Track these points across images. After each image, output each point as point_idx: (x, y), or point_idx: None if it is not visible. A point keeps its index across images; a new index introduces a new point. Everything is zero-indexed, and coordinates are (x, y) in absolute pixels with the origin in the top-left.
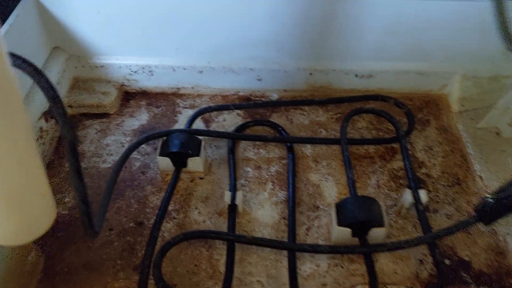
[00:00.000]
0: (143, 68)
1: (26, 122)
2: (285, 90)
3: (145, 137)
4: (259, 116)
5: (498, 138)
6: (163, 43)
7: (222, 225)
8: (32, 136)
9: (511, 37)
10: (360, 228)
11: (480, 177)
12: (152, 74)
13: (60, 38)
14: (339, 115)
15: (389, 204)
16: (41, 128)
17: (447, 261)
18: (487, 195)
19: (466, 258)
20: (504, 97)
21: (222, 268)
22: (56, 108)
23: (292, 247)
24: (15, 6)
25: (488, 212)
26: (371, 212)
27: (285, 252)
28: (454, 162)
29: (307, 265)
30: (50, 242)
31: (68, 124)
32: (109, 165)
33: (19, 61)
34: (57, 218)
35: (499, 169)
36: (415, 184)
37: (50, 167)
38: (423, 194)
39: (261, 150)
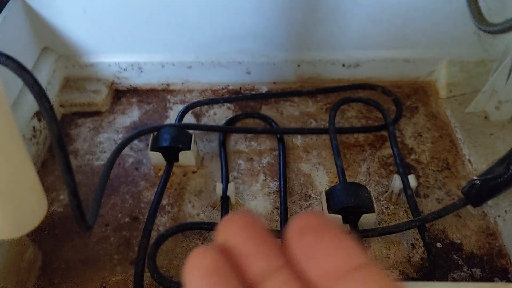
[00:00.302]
0: (132, 65)
1: (9, 116)
2: (274, 83)
3: (136, 132)
4: (250, 109)
5: (486, 121)
6: (151, 40)
7: (215, 217)
8: (16, 129)
9: (481, 14)
10: (350, 214)
11: (469, 161)
12: (142, 71)
13: (49, 39)
14: (328, 105)
15: (380, 190)
16: (34, 127)
17: (438, 244)
18: (475, 178)
19: (457, 241)
20: (490, 80)
21: None
22: (41, 103)
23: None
24: (2, 8)
25: (476, 194)
26: (360, 197)
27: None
28: (443, 147)
29: None
30: (47, 239)
31: (53, 119)
32: (102, 162)
33: (3, 58)
34: (53, 215)
35: (488, 152)
36: (404, 169)
37: (44, 166)
38: (411, 179)
39: (252, 143)
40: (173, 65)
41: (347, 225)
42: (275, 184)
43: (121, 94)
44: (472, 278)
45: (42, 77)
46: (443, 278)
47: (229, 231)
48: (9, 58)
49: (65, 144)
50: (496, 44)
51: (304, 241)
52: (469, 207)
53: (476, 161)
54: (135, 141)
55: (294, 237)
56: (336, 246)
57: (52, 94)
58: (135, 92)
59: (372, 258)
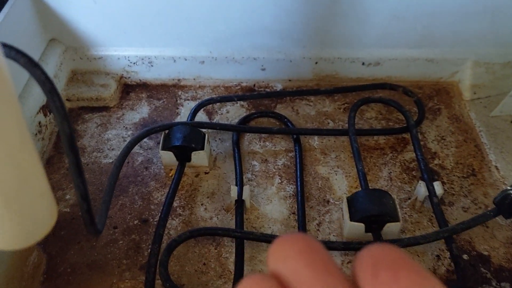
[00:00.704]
0: (143, 59)
1: (19, 116)
2: (289, 80)
3: (146, 130)
4: (264, 107)
5: None
6: (163, 33)
7: (229, 222)
8: (27, 132)
9: None
10: (373, 222)
11: (496, 168)
12: (152, 66)
13: (57, 30)
14: (346, 105)
15: (402, 197)
16: (39, 122)
17: (465, 256)
18: (508, 187)
19: (485, 253)
20: None
21: (232, 267)
22: (52, 101)
23: None
24: None
25: (509, 205)
26: (384, 205)
27: None
28: (468, 152)
29: None
30: (52, 242)
31: (65, 118)
32: (110, 160)
33: (13, 52)
34: (59, 216)
35: None
36: (429, 175)
37: (50, 163)
38: (437, 186)
39: (267, 143)
40: (185, 59)
41: (370, 234)
42: (291, 188)
43: (130, 89)
44: None
45: (49, 70)
46: None
47: (285, 254)
48: (18, 52)
49: (77, 145)
50: None
51: (380, 277)
52: (497, 217)
53: (504, 168)
54: (145, 139)
55: (367, 272)
56: (417, 283)
57: (59, 87)
58: (144, 87)
59: None
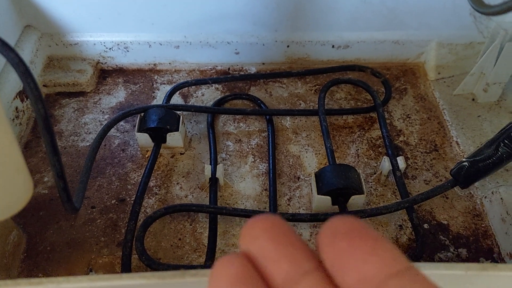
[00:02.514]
0: (118, 44)
1: None
2: (263, 63)
3: (122, 113)
4: (238, 90)
5: (474, 103)
6: (138, 19)
7: (204, 199)
8: (1, 111)
9: None
10: (339, 195)
11: (457, 143)
12: (128, 51)
13: (32, 16)
14: (317, 86)
15: (368, 172)
16: (16, 108)
17: (426, 225)
18: (463, 159)
19: (445, 222)
20: (479, 63)
21: (206, 241)
22: (26, 83)
23: None
24: None
25: (464, 176)
26: (349, 179)
27: None
28: (432, 129)
29: None
30: (32, 222)
31: (39, 99)
32: (88, 144)
33: None
34: (38, 197)
35: (475, 134)
36: (393, 151)
37: (28, 147)
38: (400, 161)
39: (241, 124)
40: (160, 44)
41: (336, 206)
42: (264, 166)
43: (106, 74)
44: (458, 258)
45: (25, 56)
46: (430, 258)
47: (253, 234)
48: None
49: (51, 125)
50: (491, 26)
51: (337, 245)
52: (456, 188)
53: (464, 143)
54: (122, 122)
55: (326, 242)
56: (373, 250)
57: (35, 73)
58: (121, 72)
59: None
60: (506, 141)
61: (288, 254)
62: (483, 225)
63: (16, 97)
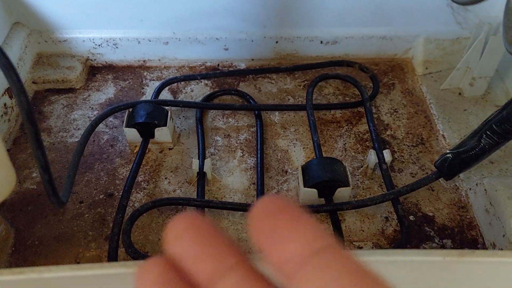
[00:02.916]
0: (107, 41)
1: None
2: (252, 59)
3: (110, 109)
4: (227, 86)
5: (460, 97)
6: (127, 15)
7: (192, 193)
8: None
9: None
10: (325, 188)
11: (443, 136)
12: (117, 47)
13: (20, 13)
14: (306, 82)
15: (356, 165)
16: (5, 104)
17: (411, 217)
18: (447, 151)
19: (430, 214)
20: (464, 58)
21: None
22: (8, 76)
23: None
24: None
25: (448, 167)
26: (335, 172)
27: None
28: (418, 123)
29: None
30: (20, 217)
31: (22, 91)
32: (76, 140)
33: None
34: (25, 192)
35: (461, 128)
36: (379, 145)
37: (16, 143)
38: (386, 154)
39: (230, 119)
40: (150, 41)
41: (323, 199)
42: (252, 160)
43: (96, 70)
44: (443, 249)
45: (14, 53)
46: (415, 248)
47: (175, 235)
48: None
49: (35, 117)
50: (469, 17)
51: (263, 225)
52: (441, 180)
53: (450, 136)
54: (110, 118)
55: (254, 222)
56: (294, 229)
57: (24, 70)
58: (110, 68)
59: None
60: (488, 133)
61: (211, 252)
62: (468, 217)
63: (5, 93)
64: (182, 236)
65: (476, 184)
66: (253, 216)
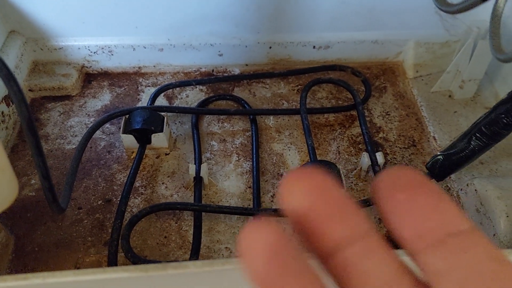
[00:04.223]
0: (103, 48)
1: None
2: (246, 65)
3: (107, 116)
4: (222, 91)
5: (450, 100)
6: (122, 22)
7: (189, 198)
8: None
9: None
10: None
11: (434, 138)
12: (112, 54)
13: (16, 22)
14: (299, 86)
15: (349, 168)
16: (2, 112)
17: None
18: (438, 153)
19: None
20: (454, 61)
21: (191, 238)
22: (9, 86)
23: (255, 213)
24: None
25: (439, 169)
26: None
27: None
28: (410, 126)
29: None
30: (19, 224)
31: (23, 101)
32: (73, 146)
33: None
34: (25, 199)
35: (452, 129)
36: (372, 147)
37: (15, 151)
38: (379, 156)
39: (225, 124)
40: (144, 47)
41: None
42: (248, 164)
43: (92, 77)
44: None
45: (10, 61)
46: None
47: (300, 190)
48: None
49: (35, 126)
50: (457, 24)
51: (395, 198)
52: (433, 182)
53: (441, 138)
54: (107, 125)
55: (384, 194)
56: (435, 207)
57: (21, 78)
58: (106, 75)
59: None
60: (478, 134)
61: (341, 215)
62: None
63: (2, 101)
64: (310, 193)
65: (467, 185)
66: (380, 186)
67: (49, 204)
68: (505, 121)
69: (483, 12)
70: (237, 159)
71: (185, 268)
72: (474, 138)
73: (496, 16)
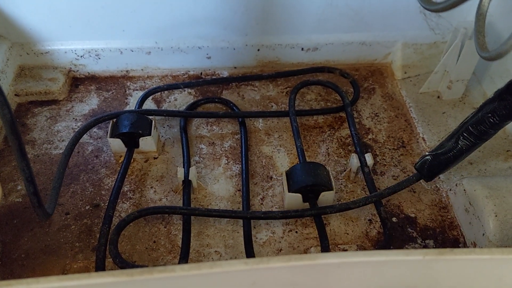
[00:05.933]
0: (90, 52)
1: None
2: (235, 67)
3: (94, 120)
4: (211, 94)
5: (438, 101)
6: (108, 26)
7: (178, 202)
8: None
9: None
10: (309, 192)
11: (423, 139)
12: (100, 58)
13: (1, 26)
14: (288, 88)
15: (339, 170)
16: None
17: (394, 219)
18: (426, 153)
19: (412, 215)
20: (442, 61)
21: (181, 243)
22: None
23: (244, 216)
24: None
25: (428, 169)
26: (318, 176)
27: (241, 223)
28: (399, 127)
29: (263, 233)
30: (5, 230)
31: (5, 104)
32: (61, 151)
33: None
34: (11, 206)
35: (440, 130)
36: (361, 148)
37: (1, 156)
38: (368, 157)
39: (214, 127)
40: (132, 51)
41: (307, 203)
42: (237, 167)
43: (79, 82)
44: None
45: None
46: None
47: None
48: None
49: (19, 130)
50: (442, 23)
51: None
52: (422, 182)
53: (429, 139)
54: (95, 129)
55: None
56: None
57: (6, 83)
58: (93, 79)
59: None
60: (465, 134)
61: None
62: (449, 217)
63: None
64: None
65: (456, 185)
66: None
67: (34, 209)
68: (491, 120)
69: (470, 13)
70: (226, 162)
71: (172, 272)
72: (461, 138)
73: (480, 14)
